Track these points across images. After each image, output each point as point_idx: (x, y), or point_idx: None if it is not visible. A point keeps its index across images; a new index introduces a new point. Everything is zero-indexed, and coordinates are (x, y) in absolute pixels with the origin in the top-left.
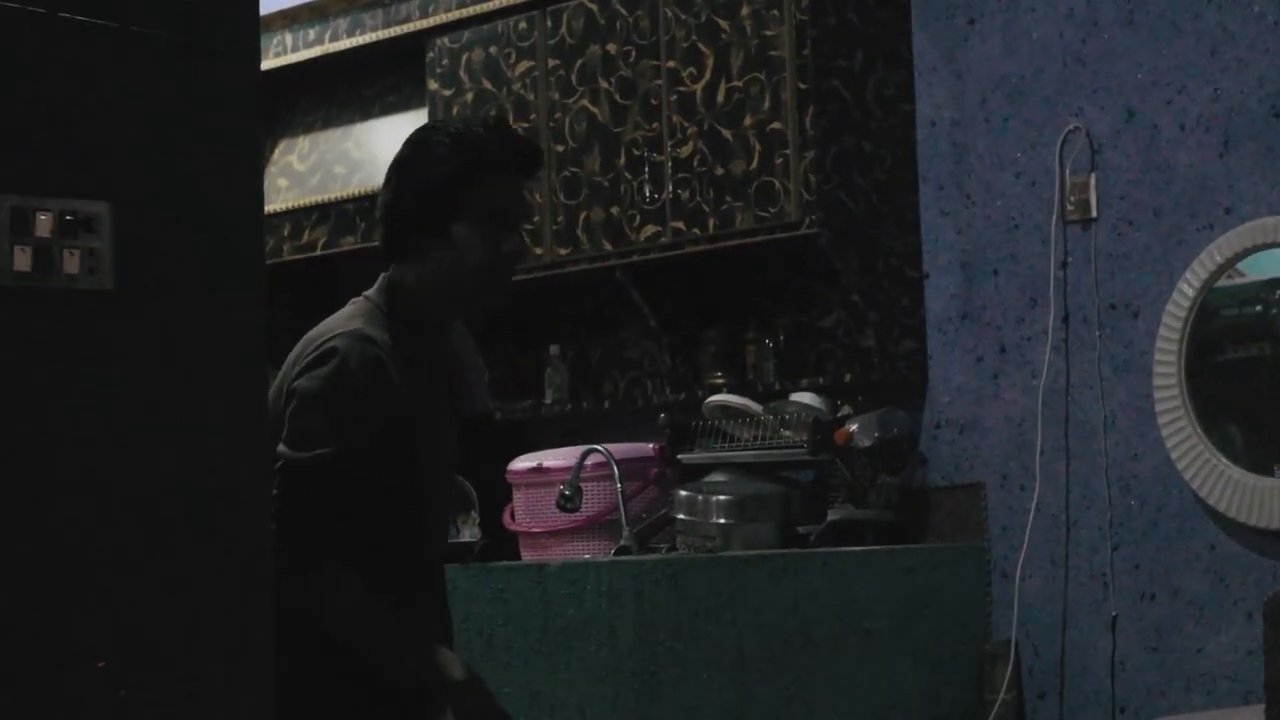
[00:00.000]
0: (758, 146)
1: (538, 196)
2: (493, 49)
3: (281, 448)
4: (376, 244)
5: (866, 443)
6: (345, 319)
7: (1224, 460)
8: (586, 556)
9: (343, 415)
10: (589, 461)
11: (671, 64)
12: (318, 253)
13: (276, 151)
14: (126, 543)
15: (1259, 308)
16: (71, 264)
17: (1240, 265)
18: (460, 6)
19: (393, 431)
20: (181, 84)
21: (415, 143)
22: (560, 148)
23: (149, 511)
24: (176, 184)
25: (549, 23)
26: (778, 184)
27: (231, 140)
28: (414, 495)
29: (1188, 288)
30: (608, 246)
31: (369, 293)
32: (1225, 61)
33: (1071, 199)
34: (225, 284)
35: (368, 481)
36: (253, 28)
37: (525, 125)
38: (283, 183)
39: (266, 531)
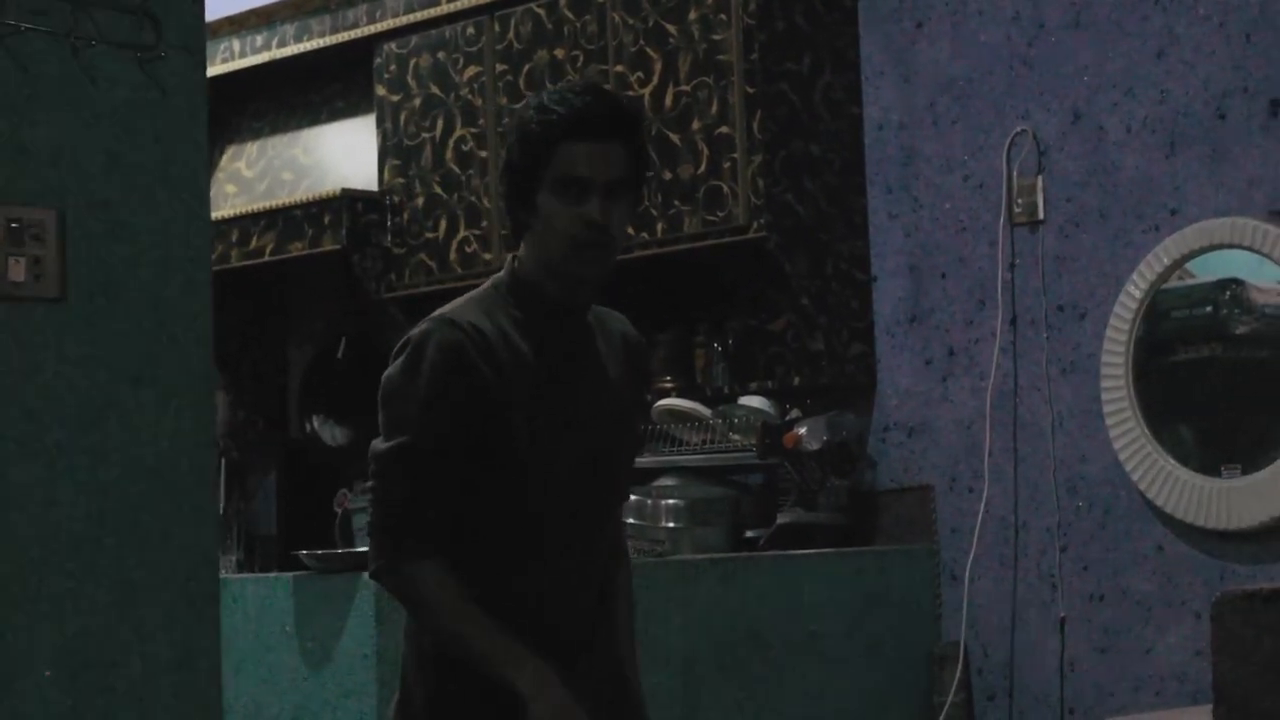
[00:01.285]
0: (706, 151)
1: (485, 201)
2: (440, 54)
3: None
4: (325, 250)
5: (815, 446)
6: (451, 305)
7: (1172, 461)
8: None
9: (417, 402)
10: None
11: (619, 68)
12: (266, 259)
13: (225, 158)
14: (71, 552)
15: (1209, 309)
16: (17, 271)
17: (1190, 266)
18: (408, 12)
19: (480, 415)
20: (128, 92)
21: (512, 117)
22: None
23: (94, 520)
24: (123, 191)
25: (497, 28)
26: (726, 188)
27: (178, 147)
28: (521, 482)
29: (1135, 289)
30: None
31: (497, 275)
32: (1171, 64)
33: (1019, 201)
34: (172, 291)
35: (455, 467)
36: (199, 35)
37: (472, 130)
38: (231, 189)
39: (212, 539)
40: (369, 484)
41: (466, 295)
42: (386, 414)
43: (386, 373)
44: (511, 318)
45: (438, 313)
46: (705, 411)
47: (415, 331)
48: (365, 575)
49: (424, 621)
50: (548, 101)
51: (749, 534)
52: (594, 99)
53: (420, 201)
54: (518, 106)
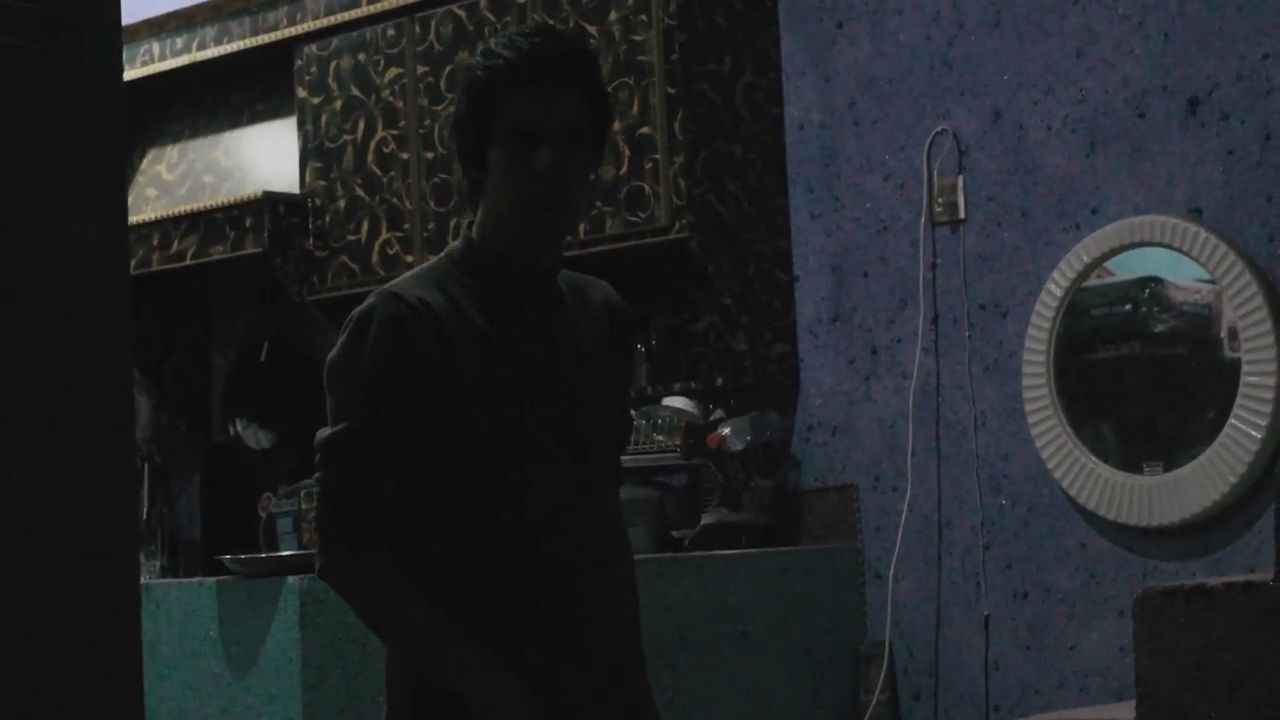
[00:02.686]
0: (627, 152)
1: (407, 203)
2: (361, 56)
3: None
4: (247, 252)
5: (739, 446)
6: (400, 278)
7: (1094, 459)
8: None
9: (360, 385)
10: None
11: None
12: (187, 262)
13: (145, 161)
14: None
15: (1128, 306)
16: None
17: (1110, 265)
18: (328, 14)
19: (431, 395)
20: (43, 94)
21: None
22: (430, 155)
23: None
24: (38, 196)
25: (417, 29)
26: (648, 189)
27: (95, 151)
28: (483, 463)
29: (1055, 288)
30: None
31: (452, 244)
32: (1091, 63)
33: (940, 201)
34: (90, 296)
35: (406, 452)
36: (116, 36)
37: (394, 132)
38: (151, 192)
39: (134, 545)
40: (315, 475)
41: (418, 267)
42: (330, 399)
43: (330, 354)
44: (466, 288)
45: (383, 288)
46: None
47: (358, 309)
48: (290, 580)
49: (367, 622)
50: (494, 46)
51: (674, 535)
52: (543, 41)
53: (342, 204)
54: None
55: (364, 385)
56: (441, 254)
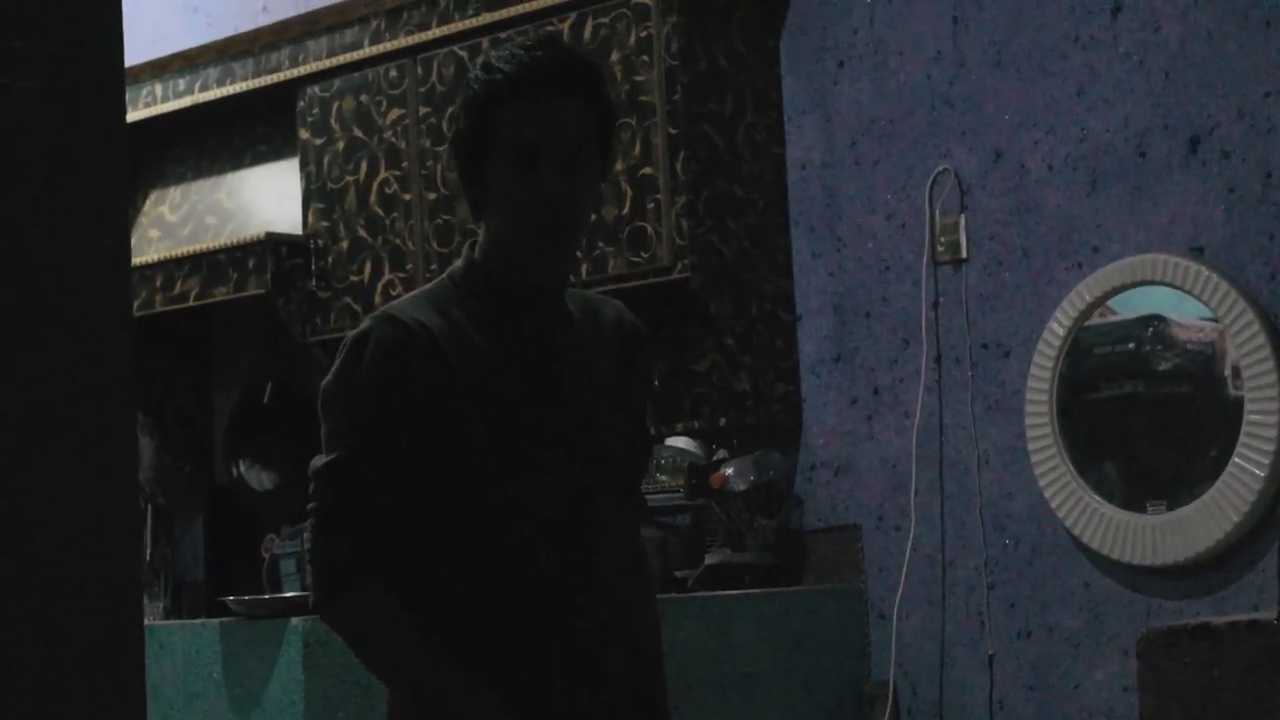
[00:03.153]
0: (629, 192)
1: (410, 244)
2: (364, 97)
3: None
4: (249, 294)
5: (742, 486)
6: (398, 300)
7: (1096, 498)
8: None
9: (352, 411)
10: None
11: None
12: (190, 303)
13: (148, 202)
14: None
15: (1132, 345)
16: None
17: (1113, 303)
18: (330, 55)
19: (428, 420)
20: (45, 136)
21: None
22: (432, 195)
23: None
24: (40, 237)
25: (419, 70)
26: (650, 229)
27: (98, 192)
28: (485, 489)
29: (1058, 326)
30: None
31: (454, 264)
32: (1092, 101)
33: (942, 240)
34: (93, 336)
35: (401, 480)
36: (118, 77)
37: (396, 173)
38: (154, 234)
39: (136, 586)
40: (308, 506)
41: (418, 289)
42: (324, 424)
43: (325, 379)
44: (467, 309)
45: (380, 309)
46: None
47: (353, 331)
48: (293, 621)
49: (359, 656)
50: (492, 59)
51: (677, 575)
52: (543, 52)
53: (344, 245)
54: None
55: (357, 411)
56: (443, 274)
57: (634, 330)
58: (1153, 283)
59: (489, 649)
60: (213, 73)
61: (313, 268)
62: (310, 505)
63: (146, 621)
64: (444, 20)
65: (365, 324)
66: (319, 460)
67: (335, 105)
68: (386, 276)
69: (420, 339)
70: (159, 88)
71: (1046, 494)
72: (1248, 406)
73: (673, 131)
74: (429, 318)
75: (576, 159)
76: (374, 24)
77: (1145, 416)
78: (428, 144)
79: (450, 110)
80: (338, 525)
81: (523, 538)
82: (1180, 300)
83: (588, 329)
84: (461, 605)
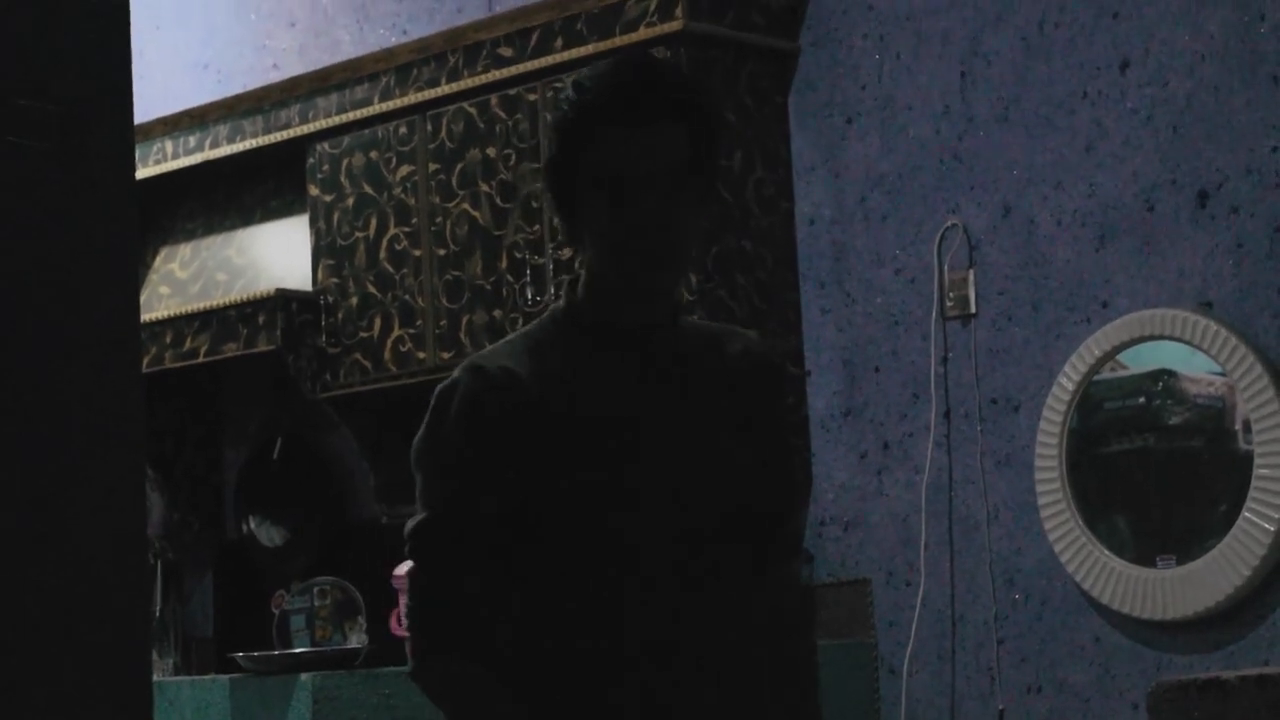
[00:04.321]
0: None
1: (419, 300)
2: (373, 153)
3: None
4: (259, 350)
5: None
6: (493, 345)
7: (1106, 552)
8: None
9: (439, 469)
10: None
11: None
12: (200, 360)
13: (158, 259)
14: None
15: (1142, 399)
16: None
17: (1122, 358)
18: (340, 112)
19: (521, 472)
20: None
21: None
22: (442, 251)
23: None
24: (51, 294)
25: (429, 127)
26: None
27: (108, 249)
28: (586, 543)
29: (1067, 381)
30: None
31: (555, 302)
32: (1100, 157)
33: (951, 295)
34: (103, 393)
35: (494, 537)
36: (128, 134)
37: (406, 229)
38: (164, 290)
39: (145, 643)
40: (405, 570)
41: (517, 330)
42: (417, 483)
43: (417, 434)
44: (565, 350)
45: (470, 358)
46: None
47: (442, 384)
48: (302, 677)
49: None
50: (583, 79)
51: None
52: (632, 72)
53: (354, 301)
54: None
55: (445, 468)
56: (544, 313)
57: (765, 361)
58: (1162, 337)
59: (574, 711)
60: (223, 129)
61: (323, 324)
62: (407, 568)
63: (156, 678)
64: (453, 77)
65: (453, 375)
66: (411, 521)
67: (345, 162)
68: (396, 332)
69: (509, 388)
70: (169, 144)
71: (1056, 548)
72: (1257, 460)
73: None
74: (521, 363)
75: (670, 186)
76: (383, 80)
77: (1155, 471)
78: (437, 200)
79: (459, 166)
80: (429, 593)
81: (617, 593)
82: (1189, 355)
83: (707, 364)
84: (545, 665)
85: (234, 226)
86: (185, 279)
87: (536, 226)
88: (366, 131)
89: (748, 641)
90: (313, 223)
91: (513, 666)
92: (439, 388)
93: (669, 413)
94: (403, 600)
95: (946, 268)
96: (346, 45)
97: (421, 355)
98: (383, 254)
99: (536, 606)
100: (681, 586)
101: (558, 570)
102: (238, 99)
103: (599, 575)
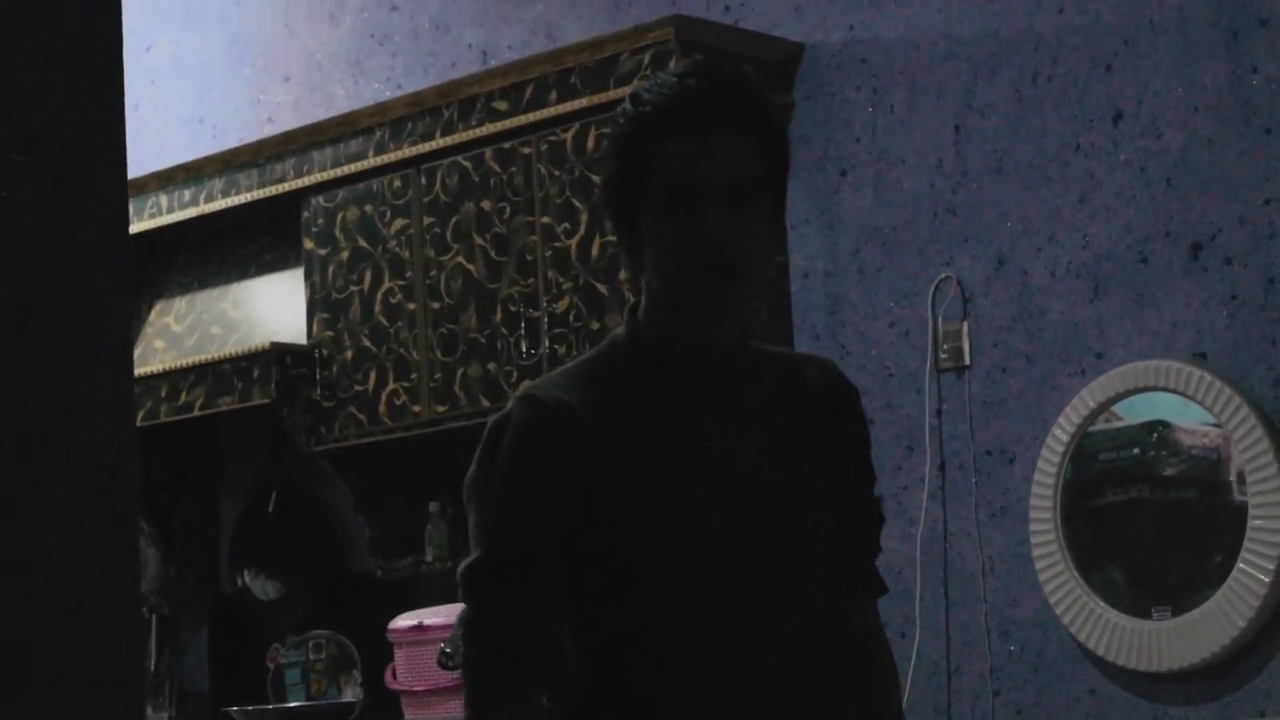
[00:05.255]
0: (633, 301)
1: (414, 353)
2: (368, 207)
3: None
4: (254, 403)
5: None
6: (551, 373)
7: (1102, 604)
8: None
9: (493, 506)
10: None
11: (545, 220)
12: (195, 413)
13: (153, 313)
14: None
15: (1136, 450)
16: None
17: (1117, 409)
18: (335, 165)
19: (578, 506)
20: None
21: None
22: (436, 305)
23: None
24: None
25: (423, 180)
26: None
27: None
28: (646, 579)
29: (1061, 433)
30: (485, 403)
31: (616, 329)
32: (1093, 208)
33: (945, 347)
34: (97, 448)
35: (552, 575)
36: (121, 190)
37: (400, 283)
38: (159, 344)
39: (140, 698)
40: (460, 613)
41: (579, 357)
42: (470, 520)
43: (469, 470)
44: (626, 377)
45: (524, 388)
46: None
47: (495, 416)
48: None
49: None
50: (642, 90)
51: None
52: (697, 80)
53: (349, 354)
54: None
55: (498, 506)
56: (605, 340)
57: (841, 390)
58: (1156, 389)
59: None
60: (218, 183)
61: (317, 377)
62: (461, 611)
63: None
64: (448, 131)
65: (507, 407)
66: (466, 560)
67: (340, 215)
68: (391, 386)
69: (562, 418)
70: (164, 199)
71: (1051, 600)
72: (1252, 511)
73: None
74: (577, 392)
75: (738, 198)
76: (378, 134)
77: (1150, 522)
78: (432, 253)
79: (454, 219)
80: (487, 633)
81: (680, 630)
82: (1184, 406)
83: (779, 391)
84: (622, 706)
85: (229, 280)
86: (180, 332)
87: (531, 280)
88: (361, 185)
89: (828, 678)
90: (307, 276)
91: (580, 711)
92: (491, 420)
93: (742, 441)
94: (401, 653)
95: (941, 320)
96: (341, 99)
97: (416, 409)
98: (377, 307)
99: (603, 646)
100: (759, 624)
101: (624, 607)
102: (232, 153)
103: (670, 612)
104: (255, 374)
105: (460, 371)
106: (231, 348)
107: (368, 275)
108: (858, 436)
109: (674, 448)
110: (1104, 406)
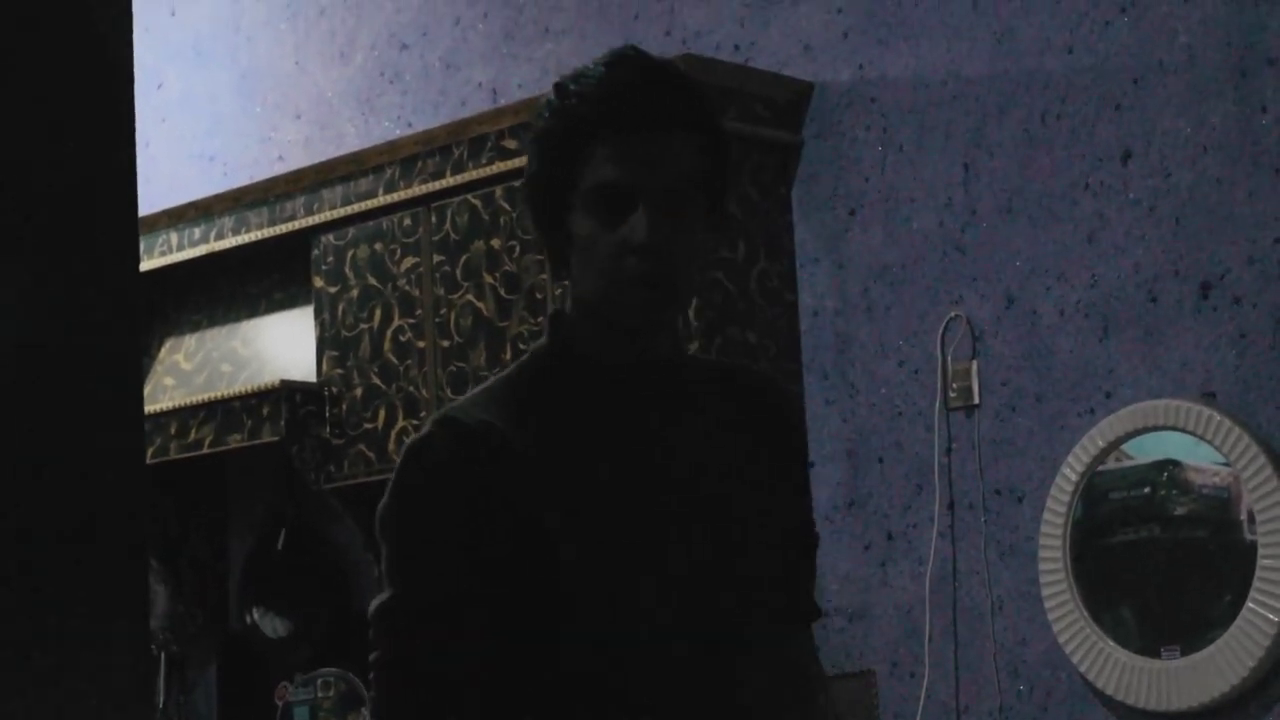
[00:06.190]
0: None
1: (424, 391)
2: (378, 245)
3: None
4: (264, 441)
5: None
6: (472, 392)
7: (1111, 643)
8: None
9: (404, 543)
10: None
11: None
12: (205, 451)
13: (163, 350)
14: None
15: (1147, 490)
16: None
17: (1127, 448)
18: (345, 204)
19: (502, 537)
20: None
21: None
22: (446, 343)
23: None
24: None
25: (433, 219)
26: None
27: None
28: (578, 609)
29: (1071, 472)
30: None
31: (538, 340)
32: (1102, 248)
33: (954, 386)
34: (106, 485)
35: (470, 616)
36: (132, 226)
37: (410, 321)
38: (169, 381)
39: None
40: (369, 656)
41: (500, 373)
42: (383, 554)
43: (382, 499)
44: (551, 394)
45: (445, 409)
46: None
47: (413, 438)
48: None
49: None
50: (568, 82)
51: None
52: (628, 71)
53: (359, 392)
54: None
55: (416, 539)
56: (526, 353)
57: (778, 404)
58: (1166, 428)
59: None
60: (228, 221)
61: (327, 415)
62: (371, 655)
63: None
64: (458, 169)
65: (424, 430)
66: (376, 600)
67: (350, 253)
68: (400, 424)
69: (488, 442)
70: (174, 236)
71: (1061, 639)
72: (1262, 551)
73: None
74: (500, 413)
75: (676, 202)
76: (388, 173)
77: (1160, 561)
78: (442, 292)
79: (464, 257)
80: (398, 680)
81: (627, 671)
82: (1194, 445)
83: (716, 403)
84: None
85: (239, 318)
86: (190, 370)
87: (541, 318)
88: (371, 223)
89: (777, 705)
90: (317, 314)
91: None
92: (408, 443)
93: (672, 462)
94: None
95: (950, 359)
96: (351, 137)
97: None
98: (387, 345)
99: (543, 689)
100: (708, 653)
101: (557, 642)
102: (243, 191)
103: (615, 643)
104: (265, 412)
105: None
106: (241, 385)
107: (377, 313)
108: (798, 447)
109: (608, 470)
110: (1113, 445)
